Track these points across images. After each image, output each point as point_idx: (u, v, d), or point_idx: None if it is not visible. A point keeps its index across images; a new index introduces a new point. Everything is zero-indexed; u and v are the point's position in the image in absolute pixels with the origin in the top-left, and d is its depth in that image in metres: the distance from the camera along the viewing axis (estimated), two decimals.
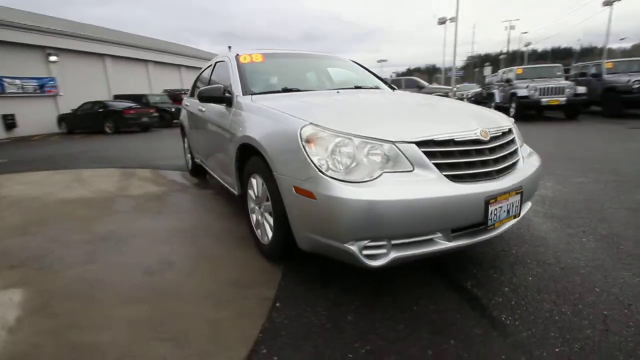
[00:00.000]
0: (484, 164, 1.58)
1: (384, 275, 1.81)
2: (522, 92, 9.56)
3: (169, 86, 20.01)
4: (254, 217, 2.18)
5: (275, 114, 1.82)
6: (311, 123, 1.56)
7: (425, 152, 1.47)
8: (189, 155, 4.35)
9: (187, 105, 3.94)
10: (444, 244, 1.50)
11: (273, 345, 1.35)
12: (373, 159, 1.46)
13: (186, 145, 4.40)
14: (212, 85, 2.46)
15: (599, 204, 2.71)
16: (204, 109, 3.03)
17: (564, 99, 9.00)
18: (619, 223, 2.34)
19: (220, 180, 2.94)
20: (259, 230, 2.13)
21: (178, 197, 3.50)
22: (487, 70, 44.81)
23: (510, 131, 1.83)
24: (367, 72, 3.21)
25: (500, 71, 12.96)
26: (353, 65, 3.27)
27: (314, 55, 3.22)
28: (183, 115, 4.22)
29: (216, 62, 3.24)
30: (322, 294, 1.68)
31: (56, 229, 2.70)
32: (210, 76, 3.26)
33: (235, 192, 2.48)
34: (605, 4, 22.38)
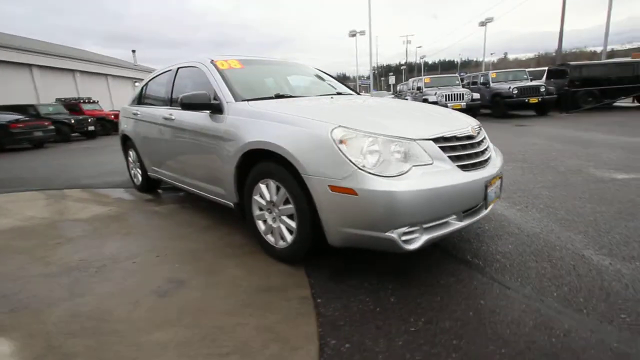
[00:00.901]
0: (477, 155, 1.91)
1: (399, 262, 2.01)
2: (432, 98, 10.98)
3: (62, 94, 17.29)
4: (260, 223, 2.18)
5: (293, 119, 1.88)
6: (340, 125, 1.69)
7: (440, 147, 1.73)
8: (137, 170, 3.94)
9: (136, 113, 3.59)
10: (458, 224, 1.77)
11: (338, 334, 1.42)
12: (400, 155, 1.65)
13: (132, 159, 3.98)
14: (196, 92, 2.36)
15: (525, 185, 3.40)
16: (174, 117, 2.84)
17: (464, 103, 10.66)
18: (547, 197, 2.99)
19: (199, 193, 2.79)
20: (269, 236, 2.13)
21: (140, 216, 3.17)
22: (392, 79, 49.61)
23: (481, 128, 2.23)
24: (333, 78, 3.42)
25: (411, 80, 14.65)
26: (318, 72, 3.44)
27: (284, 62, 3.29)
28: (128, 125, 3.82)
29: (179, 68, 3.06)
30: (354, 284, 1.79)
31: (0, 266, 2.22)
32: (173, 83, 3.07)
33: (230, 202, 2.41)
34: (481, 24, 27.28)
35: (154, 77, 3.57)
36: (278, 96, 2.49)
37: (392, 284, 1.77)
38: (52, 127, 11.73)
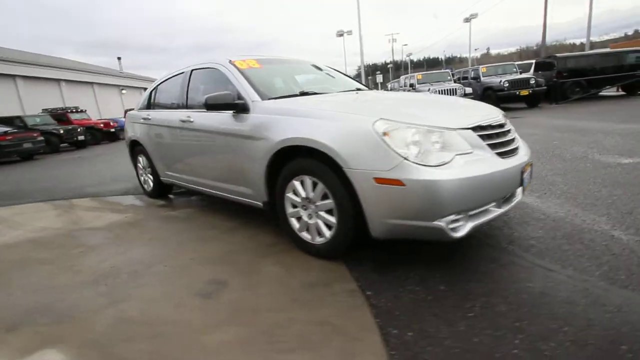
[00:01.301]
0: (509, 142, 1.95)
1: (438, 251, 2.04)
2: None
3: (47, 104, 16.86)
4: (293, 221, 2.17)
5: (331, 114, 1.89)
6: (381, 118, 1.70)
7: (478, 136, 1.76)
8: (147, 176, 3.88)
9: (147, 118, 3.53)
10: (497, 210, 1.80)
11: (398, 324, 1.43)
12: (442, 145, 1.67)
13: (142, 165, 3.92)
14: (221, 93, 2.35)
15: (538, 174, 3.47)
16: (192, 119, 2.81)
17: None
18: (562, 184, 3.07)
19: (222, 195, 2.76)
20: (304, 233, 2.13)
21: (159, 221, 3.13)
22: (379, 77, 50.02)
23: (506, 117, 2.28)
24: (343, 75, 3.43)
25: (402, 77, 14.81)
26: (329, 69, 3.45)
27: (297, 60, 3.29)
28: (137, 131, 3.76)
29: (193, 70, 3.04)
30: (399, 275, 1.81)
31: (28, 278, 2.16)
32: (188, 85, 3.04)
33: (257, 202, 2.40)
34: (466, 20, 27.74)
35: (163, 81, 3.52)
36: (303, 93, 2.50)
37: (437, 273, 1.80)
38: (41, 138, 11.43)
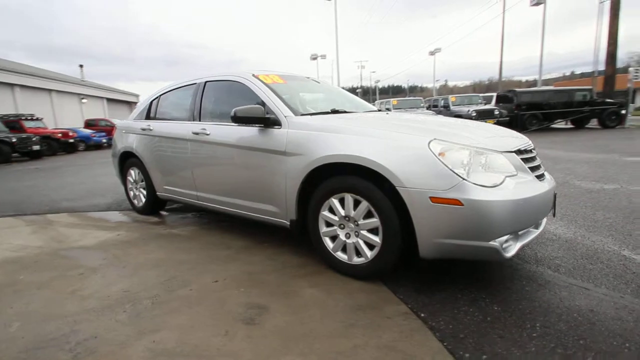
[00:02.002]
0: (539, 167, 2.06)
1: (475, 272, 2.06)
2: None
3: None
4: (327, 240, 2.11)
5: (378, 133, 1.88)
6: (435, 138, 1.73)
7: (521, 159, 1.84)
8: (140, 191, 3.61)
9: (147, 129, 3.32)
10: (536, 231, 1.87)
11: (466, 347, 1.40)
12: (493, 167, 1.73)
13: (134, 178, 3.64)
14: (250, 106, 2.28)
15: None
16: (208, 132, 2.68)
17: None
18: (557, 207, 3.29)
19: (237, 212, 2.62)
20: (339, 253, 2.07)
21: (162, 240, 2.88)
22: None
23: None
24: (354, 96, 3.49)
25: (377, 102, 15.41)
26: (340, 89, 3.50)
27: (312, 78, 3.30)
28: (133, 142, 3.51)
29: (207, 82, 2.93)
30: (446, 297, 1.79)
31: (26, 305, 1.86)
32: (201, 97, 2.92)
33: (283, 220, 2.31)
34: (431, 53, 29.98)
35: (168, 91, 3.36)
36: (334, 111, 2.49)
37: (483, 293, 1.81)
38: None
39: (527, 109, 12.56)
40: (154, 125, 3.28)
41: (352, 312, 1.70)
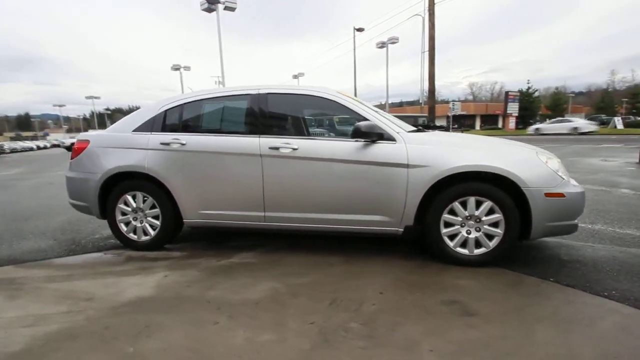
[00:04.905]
0: None
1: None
2: None
3: None
4: (447, 239, 2.46)
5: (492, 147, 2.45)
6: (537, 151, 2.41)
7: None
8: (145, 222, 2.88)
9: (175, 142, 2.74)
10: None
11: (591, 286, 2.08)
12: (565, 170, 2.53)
13: (134, 206, 2.87)
14: (368, 123, 2.45)
15: None
16: (297, 147, 2.55)
17: None
18: None
19: (325, 227, 2.60)
20: (458, 249, 2.46)
21: (238, 271, 2.46)
22: None
23: None
24: None
25: None
26: None
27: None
28: (143, 159, 2.77)
29: (269, 94, 2.75)
30: (546, 266, 2.46)
31: None
32: (267, 110, 2.71)
33: (393, 228, 2.50)
34: (294, 77, 32.48)
35: (197, 100, 2.87)
36: (419, 129, 2.85)
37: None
38: None
39: None
40: (189, 139, 2.74)
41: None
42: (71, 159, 3.06)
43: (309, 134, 3.00)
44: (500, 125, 43.35)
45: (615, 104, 48.17)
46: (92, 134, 3.08)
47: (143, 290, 2.18)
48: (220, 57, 17.79)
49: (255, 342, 1.60)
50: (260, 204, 2.67)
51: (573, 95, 55.61)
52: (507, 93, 32.22)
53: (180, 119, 2.89)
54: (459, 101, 29.04)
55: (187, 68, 26.75)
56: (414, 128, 3.13)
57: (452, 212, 2.43)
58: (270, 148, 2.60)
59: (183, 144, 2.74)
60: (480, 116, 47.64)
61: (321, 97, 2.69)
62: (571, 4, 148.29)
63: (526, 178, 2.30)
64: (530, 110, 39.41)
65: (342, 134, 2.84)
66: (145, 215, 2.89)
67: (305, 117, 3.01)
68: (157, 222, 2.88)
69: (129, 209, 2.89)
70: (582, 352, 1.51)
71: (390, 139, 2.49)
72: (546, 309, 1.90)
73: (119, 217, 2.92)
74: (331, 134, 4.76)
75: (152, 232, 2.90)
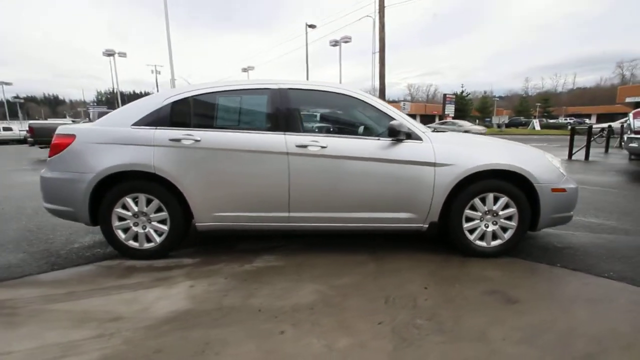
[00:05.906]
0: None
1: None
2: None
3: None
4: (467, 233, 2.62)
5: (508, 147, 2.65)
6: (543, 151, 2.67)
7: None
8: (150, 226, 2.58)
9: (188, 138, 2.47)
10: None
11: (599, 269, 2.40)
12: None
13: (135, 210, 2.54)
14: (398, 121, 2.49)
15: None
16: (324, 145, 2.48)
17: None
18: None
19: (352, 226, 2.60)
20: (477, 242, 2.63)
21: (268, 276, 2.32)
22: None
23: None
24: None
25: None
26: None
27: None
28: (149, 157, 2.45)
29: (290, 89, 2.63)
30: (546, 250, 2.75)
31: None
32: (288, 106, 2.59)
33: (419, 225, 2.60)
34: (244, 70, 31.33)
35: (210, 92, 2.62)
36: (435, 130, 2.96)
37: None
38: None
39: None
40: (204, 135, 2.50)
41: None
42: (49, 156, 2.59)
43: (333, 132, 2.94)
44: None
45: (531, 108, 55.17)
46: (78, 127, 2.65)
47: (175, 304, 1.95)
48: (168, 45, 16.42)
49: (337, 349, 1.55)
50: (284, 204, 2.56)
51: (498, 99, 62.45)
52: (445, 95, 34.94)
53: (191, 113, 2.62)
54: (409, 101, 30.64)
55: (122, 54, 24.17)
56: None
57: (473, 208, 2.59)
58: (298, 146, 2.49)
59: (197, 141, 2.50)
60: (420, 116, 51.08)
61: (345, 95, 2.66)
62: (491, 16, 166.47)
63: (537, 175, 2.54)
64: (464, 112, 43.29)
65: (341, 131, 2.81)
66: (149, 219, 2.58)
67: (328, 114, 2.94)
68: (164, 227, 2.59)
69: (129, 214, 2.55)
70: (620, 327, 1.73)
71: (418, 138, 2.57)
72: (570, 291, 2.14)
73: (116, 222, 2.56)
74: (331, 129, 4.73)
75: (158, 239, 2.60)
